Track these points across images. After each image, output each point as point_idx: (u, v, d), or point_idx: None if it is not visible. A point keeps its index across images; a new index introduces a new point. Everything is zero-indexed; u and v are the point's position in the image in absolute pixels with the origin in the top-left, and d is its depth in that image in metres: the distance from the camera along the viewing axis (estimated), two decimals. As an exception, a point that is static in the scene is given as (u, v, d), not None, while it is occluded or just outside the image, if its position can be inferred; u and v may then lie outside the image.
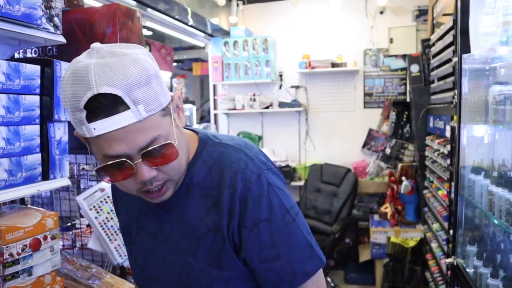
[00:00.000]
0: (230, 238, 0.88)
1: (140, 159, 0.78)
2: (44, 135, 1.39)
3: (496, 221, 1.71)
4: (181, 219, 0.92)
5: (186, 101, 5.86)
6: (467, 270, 2.06)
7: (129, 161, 0.78)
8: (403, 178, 4.02)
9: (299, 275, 0.89)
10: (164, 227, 0.95)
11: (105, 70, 0.74)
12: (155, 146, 0.79)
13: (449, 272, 2.41)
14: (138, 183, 0.82)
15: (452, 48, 2.68)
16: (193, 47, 6.14)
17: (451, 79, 2.79)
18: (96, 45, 0.79)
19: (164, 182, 0.85)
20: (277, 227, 0.87)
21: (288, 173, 4.67)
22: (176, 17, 3.93)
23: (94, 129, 0.74)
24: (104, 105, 0.74)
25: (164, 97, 0.81)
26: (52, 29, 1.42)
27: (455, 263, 2.20)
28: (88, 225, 1.86)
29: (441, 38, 3.05)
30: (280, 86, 5.02)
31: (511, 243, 1.75)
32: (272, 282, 0.90)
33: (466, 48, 2.07)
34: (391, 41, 4.74)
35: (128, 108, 0.74)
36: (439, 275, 3.06)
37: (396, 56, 4.74)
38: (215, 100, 5.32)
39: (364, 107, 4.88)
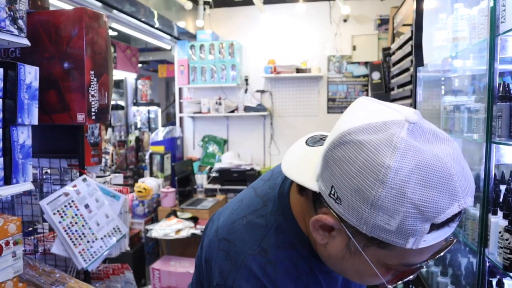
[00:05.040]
0: None
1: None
2: (7, 139, 1.37)
3: (447, 223, 1.83)
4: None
5: (151, 103, 5.79)
6: (421, 269, 2.18)
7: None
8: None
9: None
10: None
11: (464, 173, 0.59)
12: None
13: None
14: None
15: (411, 57, 2.81)
16: (158, 49, 6.09)
17: (409, 87, 2.92)
18: (414, 118, 0.60)
19: None
20: None
21: (253, 176, 4.73)
22: (142, 19, 3.91)
23: (424, 241, 0.60)
24: (455, 216, 0.59)
25: None
26: (16, 32, 1.40)
27: (410, 263, 2.32)
28: (51, 230, 1.83)
29: (400, 47, 3.19)
30: (246, 90, 5.08)
31: (458, 243, 1.87)
32: None
33: (420, 61, 2.20)
34: (354, 48, 4.91)
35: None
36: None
37: (358, 63, 4.90)
38: (180, 103, 5.32)
39: (328, 112, 5.02)
